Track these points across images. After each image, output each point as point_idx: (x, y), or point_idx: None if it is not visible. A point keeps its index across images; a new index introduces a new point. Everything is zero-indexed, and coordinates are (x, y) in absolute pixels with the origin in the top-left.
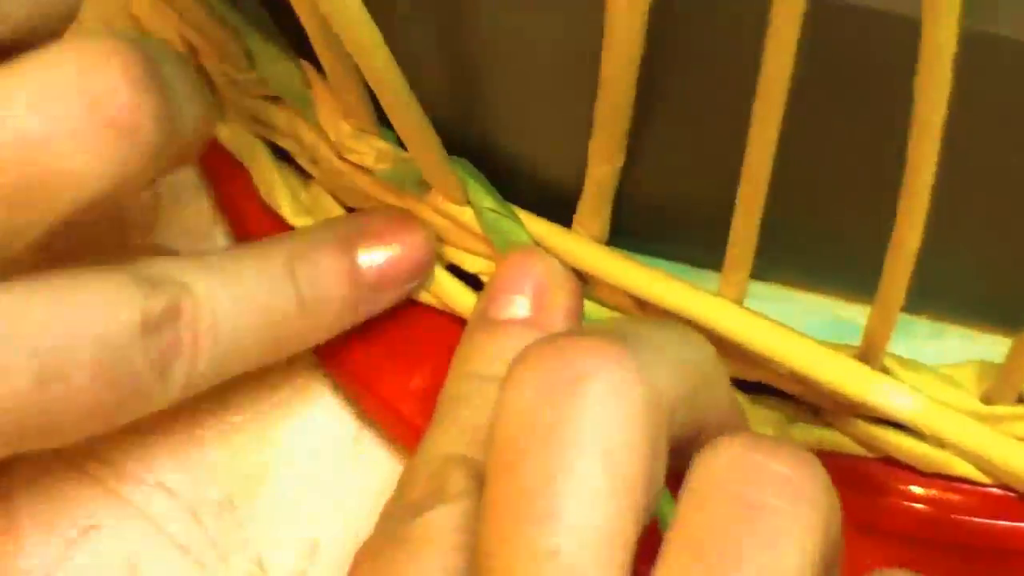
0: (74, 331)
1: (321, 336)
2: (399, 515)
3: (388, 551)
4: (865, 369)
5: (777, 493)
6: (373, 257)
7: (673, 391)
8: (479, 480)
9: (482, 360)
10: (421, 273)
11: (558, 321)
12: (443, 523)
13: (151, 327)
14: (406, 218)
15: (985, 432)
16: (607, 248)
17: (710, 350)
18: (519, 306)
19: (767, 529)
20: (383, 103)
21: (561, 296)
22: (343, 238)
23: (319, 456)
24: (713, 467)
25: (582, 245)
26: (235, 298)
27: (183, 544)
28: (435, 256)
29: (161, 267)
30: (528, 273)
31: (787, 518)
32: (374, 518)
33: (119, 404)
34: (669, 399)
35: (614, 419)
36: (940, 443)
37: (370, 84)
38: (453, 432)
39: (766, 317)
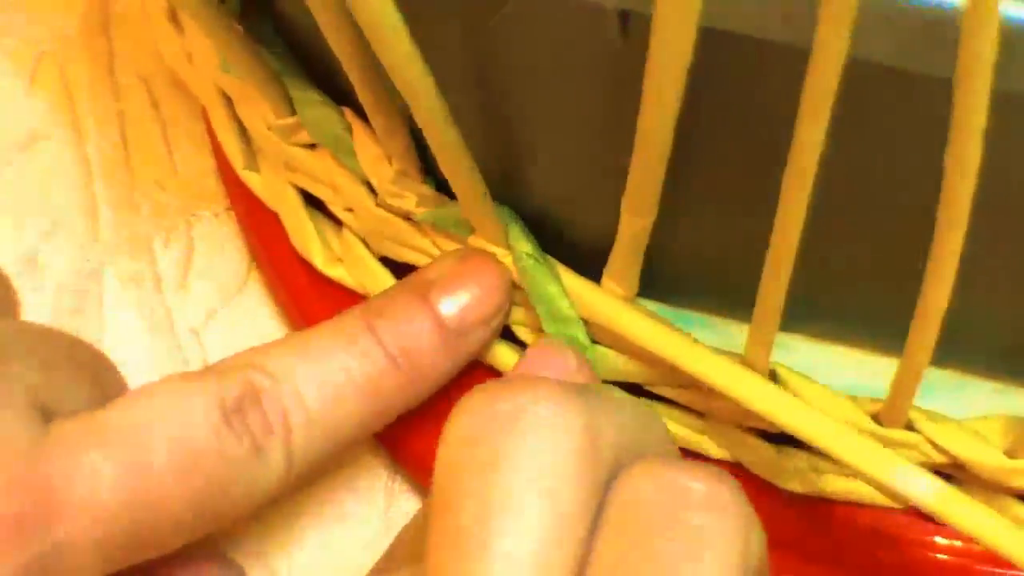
0: (154, 436)
1: (424, 392)
2: (378, 570)
3: None
4: (888, 452)
5: (696, 508)
6: (452, 301)
7: (618, 439)
8: None
9: None
10: (504, 306)
11: None
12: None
13: (231, 411)
14: (475, 255)
15: (999, 523)
16: (635, 308)
17: (660, 421)
18: None
19: (689, 544)
20: (433, 147)
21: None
22: (417, 288)
23: (351, 507)
24: (632, 489)
25: (611, 304)
26: (315, 366)
27: None
28: (511, 287)
29: (230, 359)
30: (546, 364)
31: (708, 533)
32: None
33: (221, 497)
34: (612, 444)
35: (551, 450)
36: (957, 530)
37: (423, 129)
38: None
39: (791, 387)
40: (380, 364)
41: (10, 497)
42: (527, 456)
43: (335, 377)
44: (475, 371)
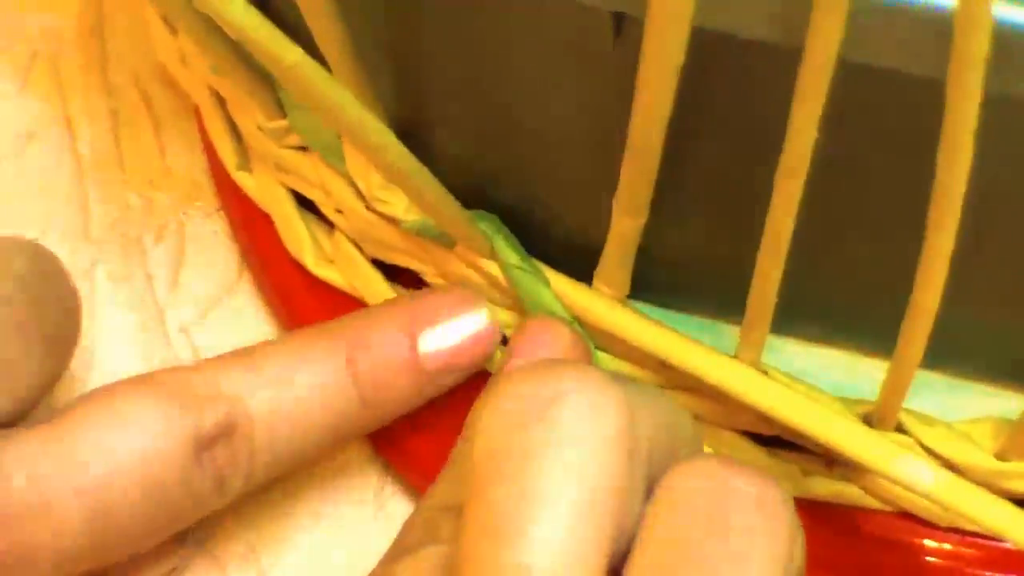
0: (123, 464)
1: (381, 424)
2: (391, 557)
3: None
4: (885, 441)
5: (745, 511)
6: (436, 344)
7: (653, 431)
8: None
9: None
10: (485, 358)
11: None
12: (428, 561)
13: (204, 445)
14: (469, 299)
15: (1005, 509)
16: (627, 308)
17: (688, 416)
18: None
19: (736, 545)
20: (398, 186)
21: None
22: (405, 325)
23: (342, 509)
24: (681, 485)
25: (603, 305)
26: (291, 405)
27: None
28: (499, 338)
29: (210, 378)
30: (541, 342)
31: (755, 535)
32: None
33: (174, 519)
34: (648, 434)
35: (590, 438)
36: (957, 515)
37: (383, 175)
38: (452, 484)
39: (785, 383)
40: (353, 405)
41: None
42: (566, 443)
43: (308, 416)
44: (482, 386)
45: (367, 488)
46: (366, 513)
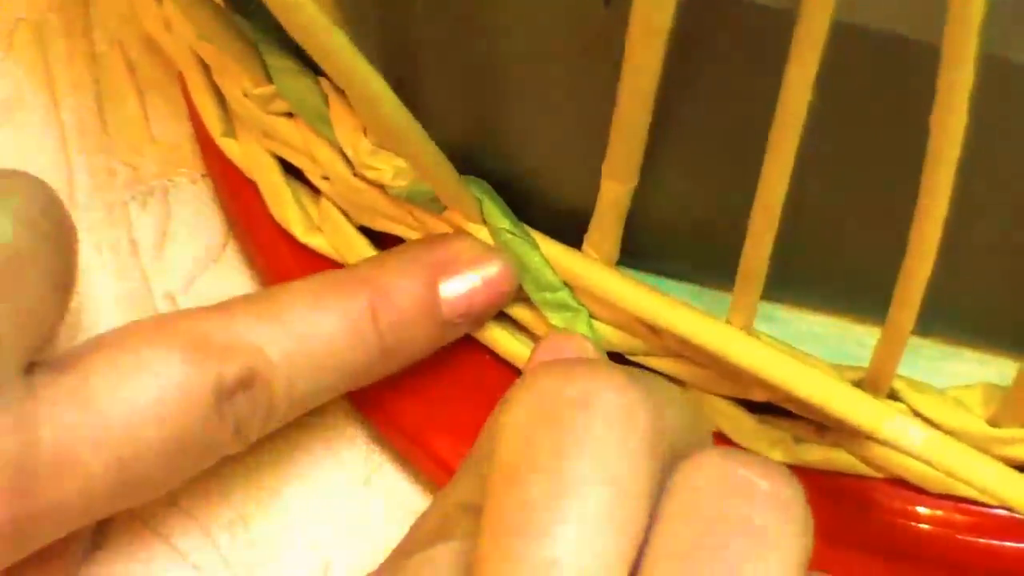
0: (144, 415)
1: (396, 370)
2: (404, 551)
3: None
4: (877, 402)
5: (762, 507)
6: (456, 290)
7: (673, 428)
8: None
9: None
10: (502, 305)
11: None
12: (443, 558)
13: (225, 395)
14: (490, 250)
15: (994, 468)
16: (618, 272)
17: (707, 415)
18: None
19: (754, 542)
20: (392, 143)
21: None
22: (426, 273)
23: (332, 478)
24: (696, 481)
25: (594, 269)
26: (312, 356)
27: (195, 564)
28: (515, 284)
29: (230, 326)
30: (563, 353)
31: (773, 532)
32: (386, 541)
33: (193, 465)
34: (671, 433)
35: (618, 438)
36: (947, 475)
37: (377, 128)
38: (469, 482)
39: (776, 346)
40: (373, 354)
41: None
42: (595, 441)
43: (327, 365)
44: (472, 353)
45: (356, 454)
46: (355, 478)
